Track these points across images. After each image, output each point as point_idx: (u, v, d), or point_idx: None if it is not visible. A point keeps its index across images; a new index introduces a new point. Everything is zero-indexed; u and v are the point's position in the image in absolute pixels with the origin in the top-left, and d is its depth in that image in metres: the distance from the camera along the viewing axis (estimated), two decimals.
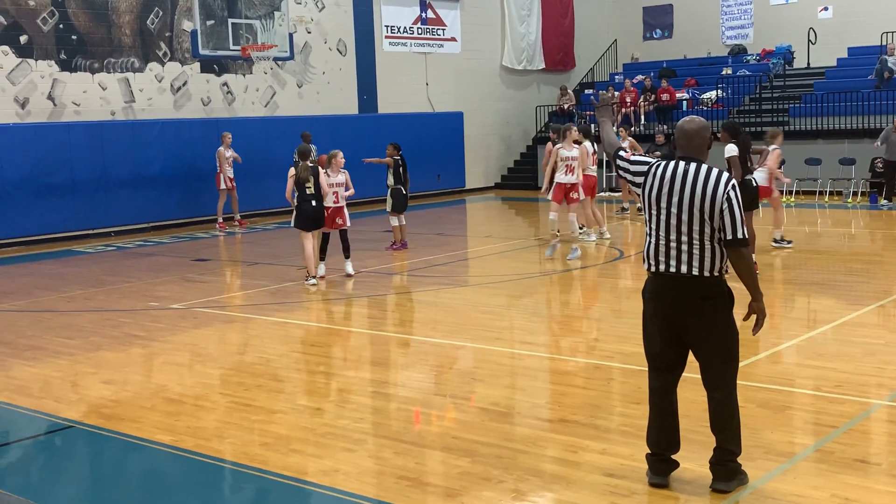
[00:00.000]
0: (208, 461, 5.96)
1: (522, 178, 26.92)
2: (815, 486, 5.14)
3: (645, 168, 5.05)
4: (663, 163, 5.00)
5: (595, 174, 15.50)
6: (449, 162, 25.68)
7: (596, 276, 12.69)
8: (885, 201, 19.11)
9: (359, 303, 11.38)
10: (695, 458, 5.39)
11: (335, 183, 12.36)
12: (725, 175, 4.85)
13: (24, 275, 14.28)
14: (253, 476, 5.67)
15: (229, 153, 18.91)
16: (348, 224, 12.58)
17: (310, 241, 12.22)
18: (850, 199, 20.26)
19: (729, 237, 4.78)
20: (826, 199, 20.58)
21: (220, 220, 19.16)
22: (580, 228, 15.55)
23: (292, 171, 12.10)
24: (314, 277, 12.17)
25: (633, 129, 24.90)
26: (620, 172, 5.21)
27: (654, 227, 4.97)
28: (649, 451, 5.20)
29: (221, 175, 18.96)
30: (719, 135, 11.47)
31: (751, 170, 11.88)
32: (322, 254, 12.53)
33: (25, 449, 6.65)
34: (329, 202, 12.27)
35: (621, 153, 5.20)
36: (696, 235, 4.83)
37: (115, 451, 6.39)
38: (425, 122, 24.97)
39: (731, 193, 4.79)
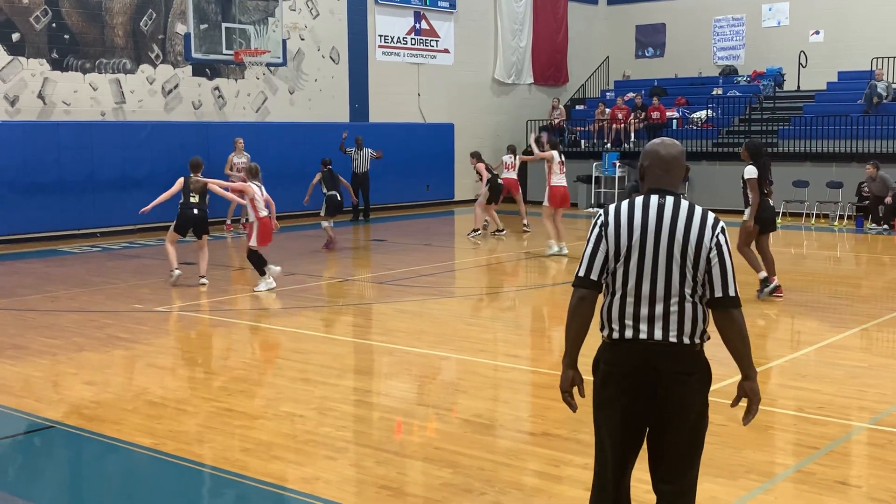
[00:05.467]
0: (188, 465, 5.93)
1: None
2: None
3: (601, 218, 3.91)
4: (627, 200, 3.91)
5: (563, 184, 15.01)
6: (438, 173, 25.72)
7: None
8: (872, 225, 19.21)
9: (344, 311, 11.36)
10: None
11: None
12: (712, 216, 3.82)
13: (9, 273, 14.20)
14: (233, 482, 5.64)
15: (239, 159, 18.85)
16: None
17: (173, 246, 12.76)
18: (836, 223, 20.37)
19: (718, 294, 3.72)
20: (812, 221, 20.66)
21: (228, 222, 19.23)
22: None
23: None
24: (176, 270, 12.61)
25: (623, 146, 25.05)
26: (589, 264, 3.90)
27: (619, 279, 3.82)
28: None
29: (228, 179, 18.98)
30: (740, 152, 11.24)
31: (767, 193, 11.12)
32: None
33: (4, 448, 6.60)
34: None
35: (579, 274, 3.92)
36: (675, 290, 3.74)
37: (94, 453, 6.36)
38: (416, 132, 25.03)
39: (721, 238, 3.75)
